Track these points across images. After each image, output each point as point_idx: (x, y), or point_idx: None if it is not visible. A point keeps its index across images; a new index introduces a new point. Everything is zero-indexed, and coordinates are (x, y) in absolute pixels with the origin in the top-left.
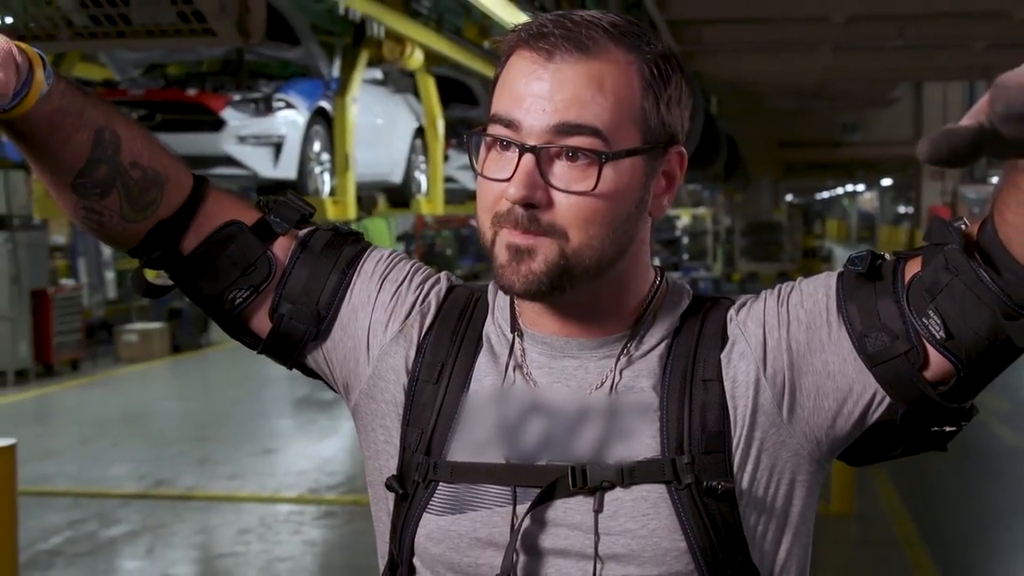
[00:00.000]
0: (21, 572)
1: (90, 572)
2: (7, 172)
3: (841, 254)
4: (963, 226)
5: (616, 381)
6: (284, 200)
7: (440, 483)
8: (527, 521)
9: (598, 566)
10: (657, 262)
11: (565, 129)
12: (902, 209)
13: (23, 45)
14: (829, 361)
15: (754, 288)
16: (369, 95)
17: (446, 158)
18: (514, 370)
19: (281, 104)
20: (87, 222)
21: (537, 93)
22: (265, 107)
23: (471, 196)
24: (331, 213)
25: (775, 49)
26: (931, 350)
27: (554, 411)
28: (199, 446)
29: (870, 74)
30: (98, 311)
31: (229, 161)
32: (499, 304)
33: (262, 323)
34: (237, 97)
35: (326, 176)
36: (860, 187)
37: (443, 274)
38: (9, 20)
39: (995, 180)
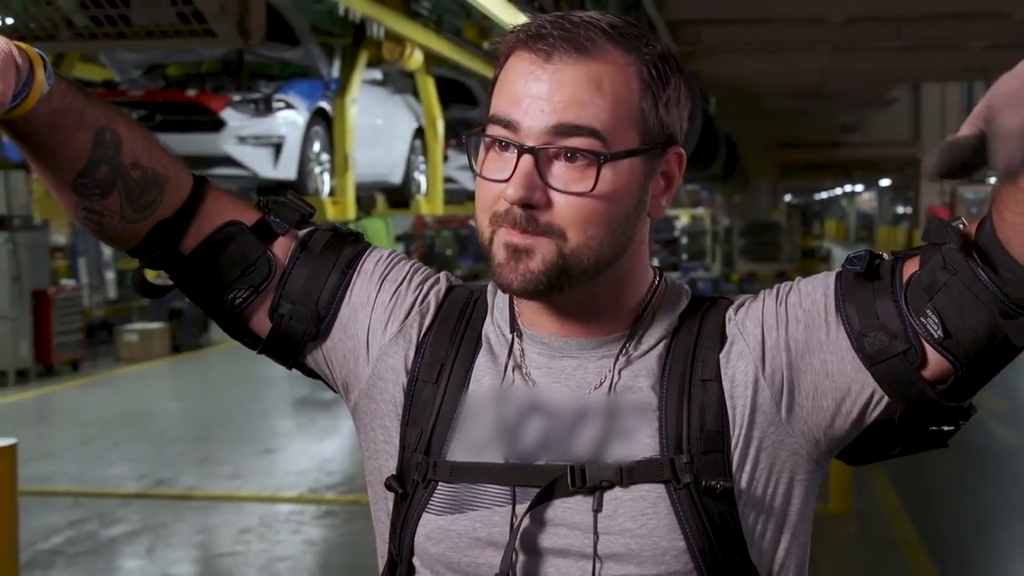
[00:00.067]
0: (22, 571)
1: (90, 571)
2: (7, 172)
3: (839, 254)
4: (961, 226)
5: (615, 381)
6: (284, 200)
7: (439, 483)
8: (526, 521)
9: (597, 565)
10: (656, 262)
11: (564, 130)
12: (900, 209)
13: (23, 45)
14: (827, 361)
15: (753, 288)
16: (369, 96)
17: (445, 158)
18: (513, 370)
19: (281, 104)
20: (87, 222)
21: (536, 94)
22: (265, 107)
23: (470, 196)
24: (331, 213)
25: (774, 50)
26: (929, 349)
27: (553, 411)
28: (199, 446)
29: (868, 75)
30: (98, 311)
31: (229, 161)
32: (498, 304)
33: (262, 323)
34: (237, 97)
35: (326, 176)
36: (859, 187)
37: (442, 274)
38: (10, 21)
39: (993, 180)
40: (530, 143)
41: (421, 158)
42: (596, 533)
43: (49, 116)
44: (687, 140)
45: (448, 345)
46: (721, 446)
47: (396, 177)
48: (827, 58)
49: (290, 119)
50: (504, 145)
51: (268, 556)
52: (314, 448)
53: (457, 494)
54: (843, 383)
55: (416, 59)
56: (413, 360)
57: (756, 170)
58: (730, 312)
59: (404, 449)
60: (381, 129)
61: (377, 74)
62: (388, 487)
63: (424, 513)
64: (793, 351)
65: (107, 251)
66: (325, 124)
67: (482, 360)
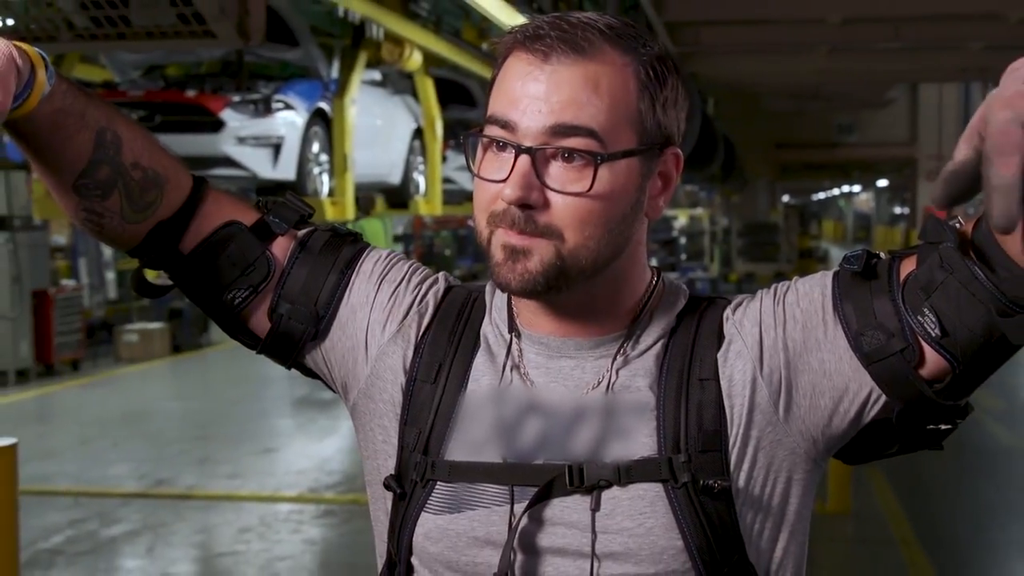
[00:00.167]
0: (22, 571)
1: (91, 571)
2: (8, 173)
3: (837, 254)
4: (958, 224)
5: (613, 380)
6: (283, 201)
7: (438, 482)
8: (525, 520)
9: (595, 564)
10: (654, 262)
11: (561, 130)
12: (898, 210)
13: (24, 46)
14: (825, 360)
15: (751, 288)
16: (368, 96)
17: (444, 159)
18: (511, 370)
19: (280, 105)
20: (88, 223)
21: (533, 94)
22: (264, 108)
23: (469, 197)
24: (330, 214)
25: (772, 51)
26: (927, 348)
27: (551, 410)
28: (199, 445)
29: (866, 75)
30: (99, 311)
31: (228, 162)
32: (496, 304)
33: (261, 323)
34: (236, 98)
35: (325, 177)
36: (856, 188)
37: (441, 274)
38: (11, 22)
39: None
40: (527, 143)
41: (420, 159)
42: (594, 532)
43: (50, 116)
44: (685, 141)
45: (446, 345)
46: (719, 445)
47: (395, 178)
48: (825, 59)
49: (289, 120)
50: (502, 145)
51: (268, 555)
52: (314, 448)
53: (455, 493)
54: (841, 382)
55: (415, 60)
56: (411, 360)
57: (754, 171)
58: (728, 312)
59: (402, 449)
60: (380, 130)
61: (376, 75)
62: (386, 487)
63: (422, 512)
64: (791, 350)
65: (107, 251)
66: (324, 125)
67: (480, 360)
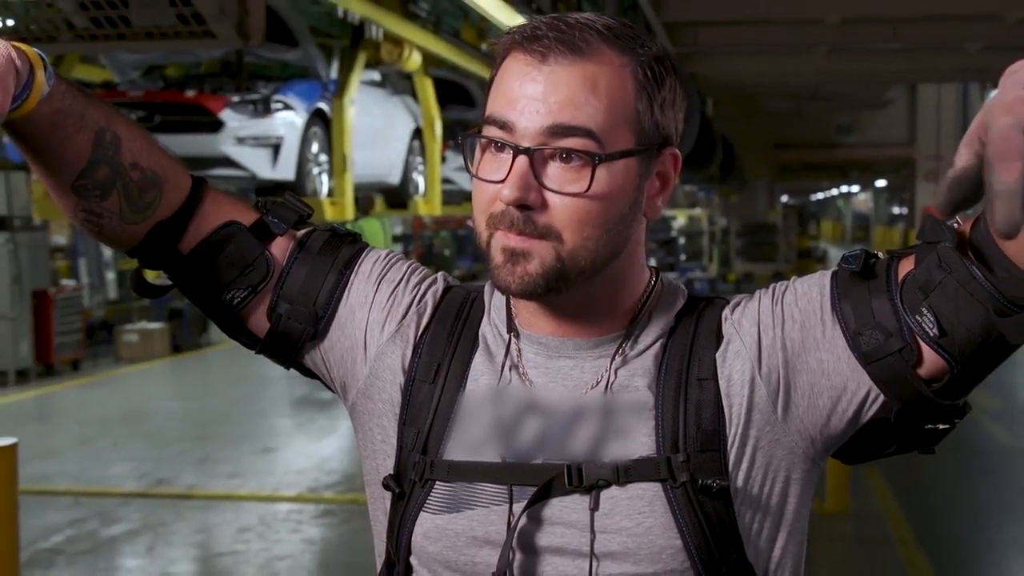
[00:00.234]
0: (22, 570)
1: (91, 570)
2: (8, 173)
3: (836, 255)
4: (956, 224)
5: (611, 380)
6: (282, 201)
7: (437, 482)
8: (523, 519)
9: (594, 564)
10: (653, 262)
11: (559, 131)
12: (896, 210)
13: (23, 46)
14: (823, 359)
15: (750, 288)
16: (367, 97)
17: (443, 159)
18: (510, 370)
19: (279, 105)
20: (87, 224)
21: (531, 95)
22: (263, 108)
23: (468, 197)
24: (329, 214)
25: (771, 51)
26: (925, 347)
27: (550, 410)
28: (199, 445)
29: (865, 76)
30: (99, 311)
31: (228, 162)
32: (495, 304)
33: (260, 323)
34: (235, 98)
35: (324, 177)
36: (855, 188)
37: (440, 275)
38: (11, 22)
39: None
40: (525, 144)
41: (419, 159)
42: (593, 532)
43: (49, 117)
44: (683, 141)
45: (445, 345)
46: (717, 445)
47: (394, 178)
48: (824, 59)
49: (288, 120)
50: (500, 146)
51: (267, 555)
52: (313, 447)
53: (454, 493)
54: (839, 382)
55: (414, 60)
56: (410, 360)
57: (753, 171)
58: (726, 311)
59: (401, 449)
60: (379, 130)
61: (375, 75)
62: (385, 486)
63: (421, 512)
64: (789, 350)
65: (107, 251)
66: (323, 125)
67: (479, 360)
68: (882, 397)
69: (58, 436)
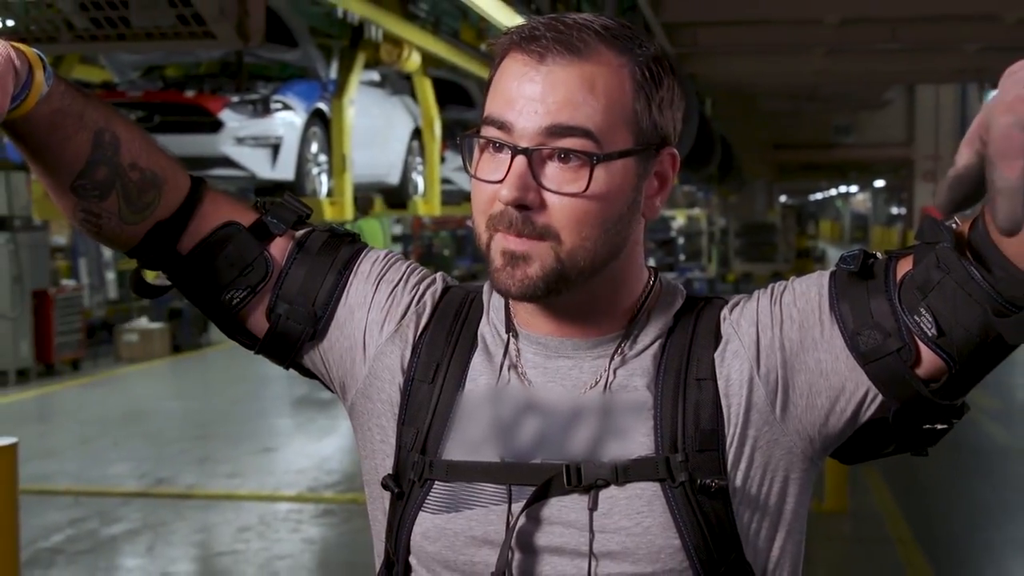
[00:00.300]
0: (23, 570)
1: (91, 570)
2: (8, 174)
3: (834, 255)
4: (954, 225)
5: (610, 380)
6: (281, 201)
7: (436, 482)
8: (522, 519)
9: (593, 563)
10: (652, 262)
11: (557, 131)
12: (895, 210)
13: (22, 47)
14: (822, 359)
15: (748, 288)
16: (366, 97)
17: (443, 159)
18: (509, 369)
19: (279, 106)
20: (86, 224)
21: (529, 95)
22: (263, 109)
23: (467, 197)
24: (328, 214)
25: (769, 52)
26: (923, 348)
27: (549, 410)
28: (199, 445)
29: (863, 76)
30: (99, 311)
31: (227, 162)
32: (494, 305)
33: (259, 323)
34: (235, 99)
35: (323, 177)
36: (853, 188)
37: (439, 275)
38: (11, 23)
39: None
40: (524, 144)
41: (418, 159)
42: (592, 531)
43: (48, 117)
44: (682, 141)
45: (444, 345)
46: (716, 445)
47: (393, 178)
48: (822, 60)
49: (288, 120)
50: (498, 146)
51: (267, 554)
52: (313, 447)
53: (453, 493)
54: (837, 382)
55: (414, 61)
56: (409, 360)
57: (752, 171)
58: (725, 311)
59: (400, 448)
60: (378, 130)
61: (375, 75)
62: (384, 486)
63: (420, 512)
64: (787, 350)
65: (107, 251)
66: (323, 125)
67: (478, 360)
68: (880, 397)
69: (58, 436)
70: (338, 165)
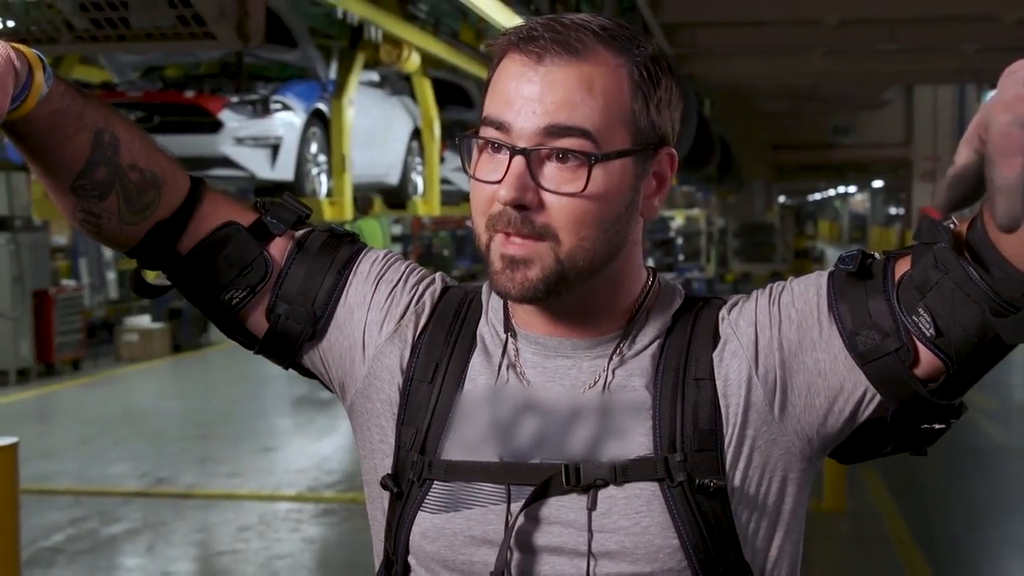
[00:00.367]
0: (23, 569)
1: (91, 569)
2: (9, 174)
3: (833, 255)
4: (952, 225)
5: (609, 380)
6: (281, 201)
7: (435, 481)
8: (521, 519)
9: (592, 563)
10: (651, 262)
11: (555, 131)
12: (893, 210)
13: (22, 47)
14: (820, 359)
15: (747, 288)
16: (366, 97)
17: (442, 160)
18: (508, 369)
19: (278, 106)
20: (85, 224)
21: (527, 95)
22: (262, 109)
23: (467, 197)
24: (328, 214)
25: (768, 52)
26: (921, 348)
27: (548, 410)
28: (199, 445)
29: (862, 77)
30: (99, 311)
31: (227, 162)
32: (493, 305)
33: (259, 323)
34: (235, 99)
35: (323, 177)
36: (852, 189)
37: (438, 275)
38: (11, 23)
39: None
40: (522, 144)
41: (418, 159)
42: (590, 531)
43: (48, 118)
44: (681, 142)
45: (443, 345)
46: (714, 444)
47: (393, 178)
48: (821, 61)
49: (287, 120)
50: (496, 147)
51: (267, 554)
52: (313, 447)
53: (452, 493)
54: (835, 382)
55: (413, 61)
56: (408, 360)
57: (750, 171)
58: (723, 312)
59: (399, 448)
60: (378, 131)
61: (374, 76)
62: (384, 486)
63: (419, 512)
64: (786, 350)
65: (108, 252)
66: (322, 125)
67: (477, 360)
68: (878, 397)
69: (59, 435)
70: (337, 165)
